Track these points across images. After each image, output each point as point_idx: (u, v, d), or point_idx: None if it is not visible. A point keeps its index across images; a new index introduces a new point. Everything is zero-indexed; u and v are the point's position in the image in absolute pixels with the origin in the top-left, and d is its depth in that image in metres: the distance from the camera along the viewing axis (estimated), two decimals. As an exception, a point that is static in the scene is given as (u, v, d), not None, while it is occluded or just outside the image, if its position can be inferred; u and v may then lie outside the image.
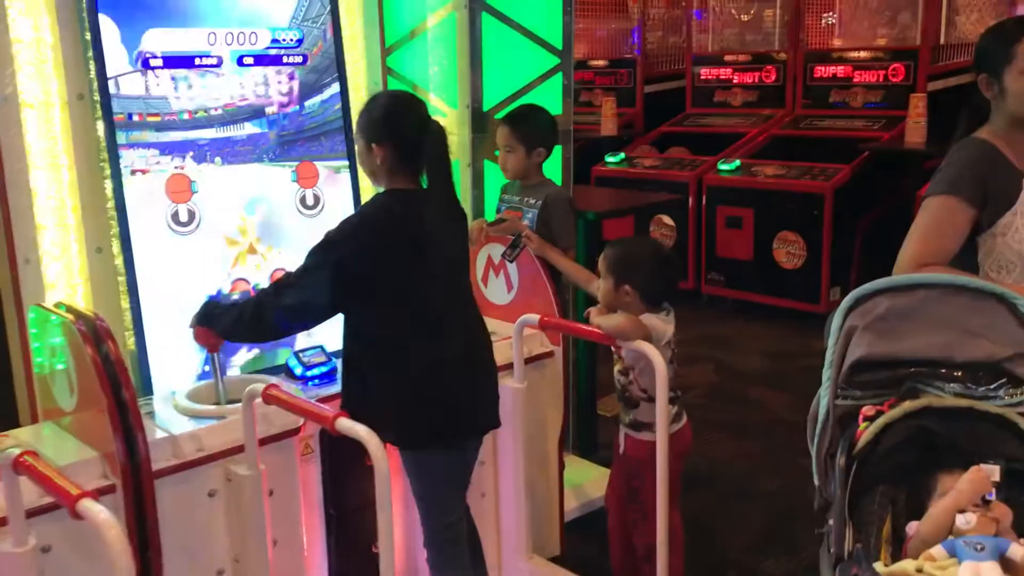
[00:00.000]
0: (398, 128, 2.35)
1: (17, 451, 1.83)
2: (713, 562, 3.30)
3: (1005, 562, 1.68)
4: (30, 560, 1.92)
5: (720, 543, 3.44)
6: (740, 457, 4.16)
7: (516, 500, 2.90)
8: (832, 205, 5.82)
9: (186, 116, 2.80)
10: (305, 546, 2.55)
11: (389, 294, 2.32)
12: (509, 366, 2.83)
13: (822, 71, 6.80)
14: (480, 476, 2.87)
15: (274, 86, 2.97)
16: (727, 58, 7.35)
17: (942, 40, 6.75)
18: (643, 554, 2.80)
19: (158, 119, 2.74)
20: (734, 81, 7.28)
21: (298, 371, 2.73)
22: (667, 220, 6.66)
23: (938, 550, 1.74)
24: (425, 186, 2.39)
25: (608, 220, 4.06)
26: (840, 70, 6.71)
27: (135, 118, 2.70)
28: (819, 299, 6.01)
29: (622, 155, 7.06)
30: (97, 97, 2.63)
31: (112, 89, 2.63)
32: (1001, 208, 2.28)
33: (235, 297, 2.76)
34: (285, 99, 2.99)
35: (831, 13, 7.29)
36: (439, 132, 2.35)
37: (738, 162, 6.38)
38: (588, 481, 3.60)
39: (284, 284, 2.36)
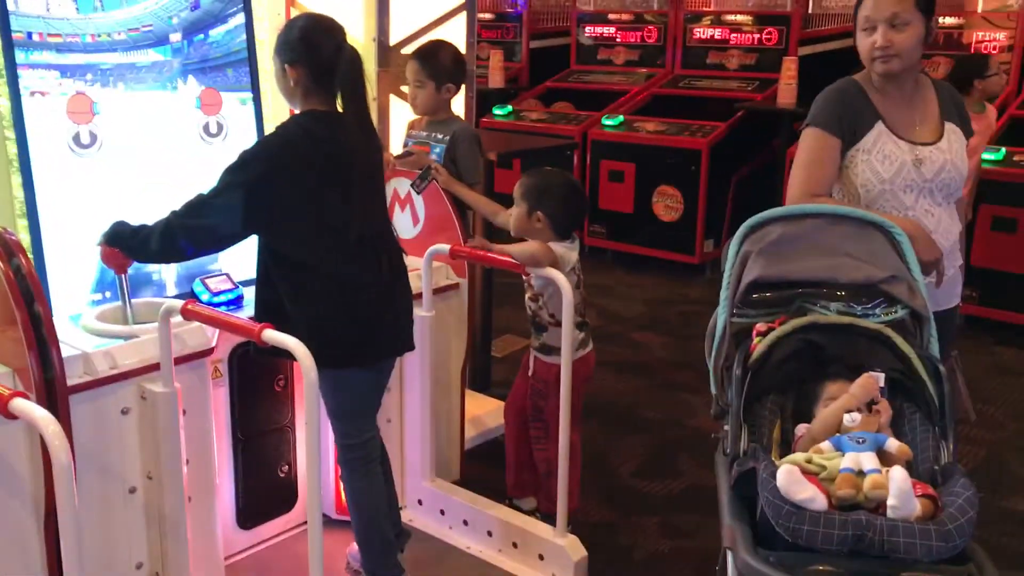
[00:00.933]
0: (312, 49, 2.35)
1: (-66, 357, 1.80)
2: (603, 485, 3.49)
3: (882, 454, 1.89)
4: (-56, 471, 1.90)
5: (609, 468, 3.63)
6: (624, 392, 4.37)
7: (421, 425, 2.99)
8: (708, 161, 6.09)
9: (88, 39, 2.73)
10: (216, 466, 2.57)
11: (305, 214, 2.32)
12: (417, 296, 2.90)
13: (700, 33, 7.06)
14: (386, 402, 2.92)
15: (178, 13, 2.92)
16: (610, 17, 7.52)
17: (811, 9, 7.12)
18: (544, 470, 2.94)
19: (59, 39, 2.66)
20: (617, 40, 7.46)
21: (205, 297, 2.71)
22: (552, 173, 6.80)
23: (826, 444, 1.93)
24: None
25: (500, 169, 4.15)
26: (717, 33, 6.98)
27: (34, 37, 2.62)
28: (694, 251, 6.29)
29: (509, 108, 7.15)
30: (-7, 12, 2.53)
31: (11, 6, 2.54)
32: (851, 142, 2.47)
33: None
34: (189, 27, 2.95)
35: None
36: (353, 55, 2.37)
37: (621, 118, 6.57)
38: (484, 413, 3.73)
39: (195, 204, 2.32)
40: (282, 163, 2.28)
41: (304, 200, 2.30)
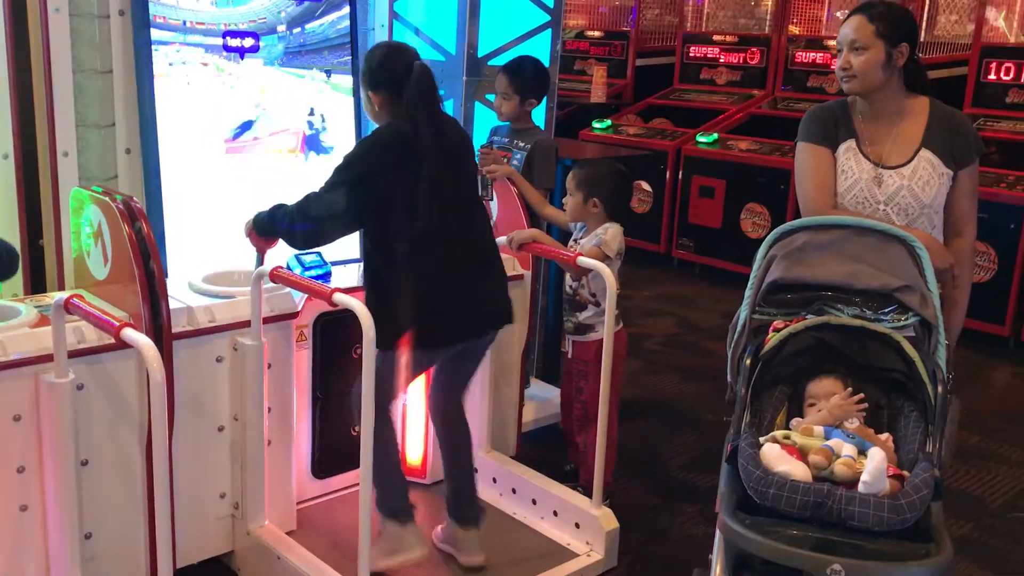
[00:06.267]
0: (387, 73, 2.64)
1: (67, 294, 2.20)
2: (653, 475, 3.72)
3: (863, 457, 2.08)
4: (68, 391, 2.30)
5: (661, 461, 3.86)
6: (686, 395, 4.58)
7: (481, 401, 3.30)
8: (798, 181, 6.21)
9: (222, 26, 3.19)
10: (295, 417, 2.93)
11: (389, 209, 2.60)
12: (483, 283, 3.22)
13: (803, 57, 7.18)
14: (451, 377, 3.25)
15: (286, 8, 3.35)
16: (715, 38, 7.71)
17: (922, 37, 7.13)
18: (584, 447, 3.22)
19: (203, 26, 3.14)
20: (720, 60, 7.64)
21: (297, 270, 3.08)
22: (645, 186, 7.04)
23: (818, 429, 2.15)
24: None
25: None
26: (820, 57, 7.08)
27: (187, 24, 3.10)
28: (780, 269, 6.40)
29: (608, 122, 7.42)
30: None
31: (172, 1, 3.02)
32: (833, 152, 2.65)
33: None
34: (292, 20, 3.37)
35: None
36: (422, 69, 2.63)
37: (716, 136, 6.76)
38: (547, 401, 4.01)
39: (309, 197, 2.64)
40: (377, 162, 2.58)
41: (390, 194, 2.58)
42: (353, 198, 2.58)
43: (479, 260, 2.78)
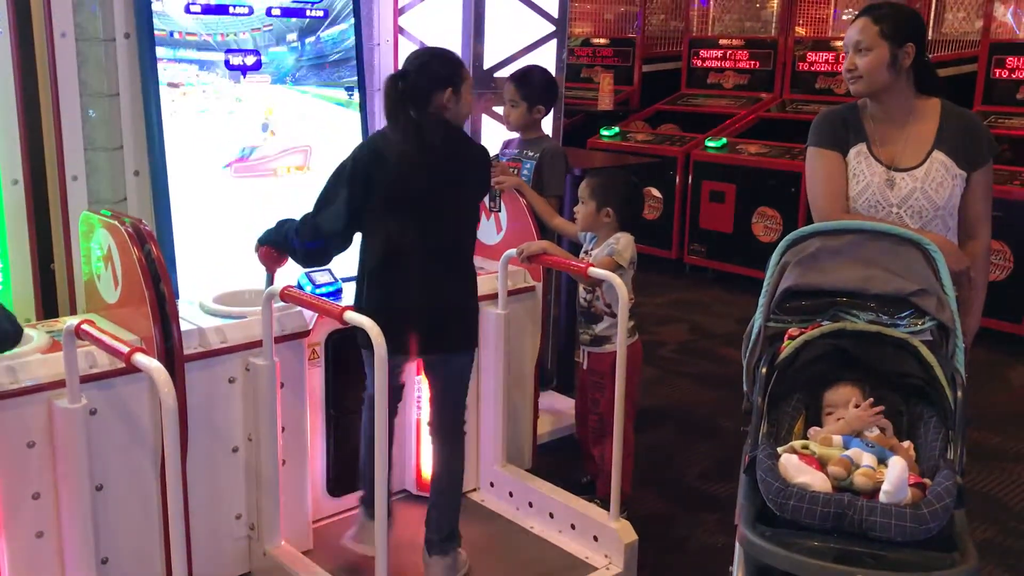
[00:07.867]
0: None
1: (77, 320, 2.20)
2: (669, 484, 3.69)
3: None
4: (81, 416, 2.30)
5: (677, 469, 3.83)
6: (702, 402, 4.55)
7: (495, 414, 3.28)
8: (808, 184, 6.18)
9: (218, 38, 3.13)
10: (309, 436, 2.92)
11: (371, 214, 2.63)
12: (494, 296, 3.21)
13: (811, 58, 7.15)
14: (464, 391, 3.23)
15: (294, 22, 3.31)
16: (722, 42, 7.68)
17: (930, 35, 7.09)
18: (602, 459, 3.18)
19: (196, 38, 3.09)
20: (727, 64, 7.62)
21: (308, 288, 3.07)
22: (655, 192, 7.02)
23: (837, 438, 2.12)
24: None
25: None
26: (827, 58, 7.05)
27: (175, 36, 3.04)
28: (793, 273, 6.36)
29: (616, 129, 7.40)
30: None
31: (157, 8, 2.98)
32: (845, 156, 2.63)
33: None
34: (305, 28, 3.33)
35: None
36: (385, 82, 2.66)
37: (724, 140, 6.74)
38: (562, 412, 3.99)
39: (308, 213, 2.69)
40: (358, 171, 2.61)
41: (369, 202, 2.61)
42: (345, 206, 2.61)
43: (437, 277, 2.70)
